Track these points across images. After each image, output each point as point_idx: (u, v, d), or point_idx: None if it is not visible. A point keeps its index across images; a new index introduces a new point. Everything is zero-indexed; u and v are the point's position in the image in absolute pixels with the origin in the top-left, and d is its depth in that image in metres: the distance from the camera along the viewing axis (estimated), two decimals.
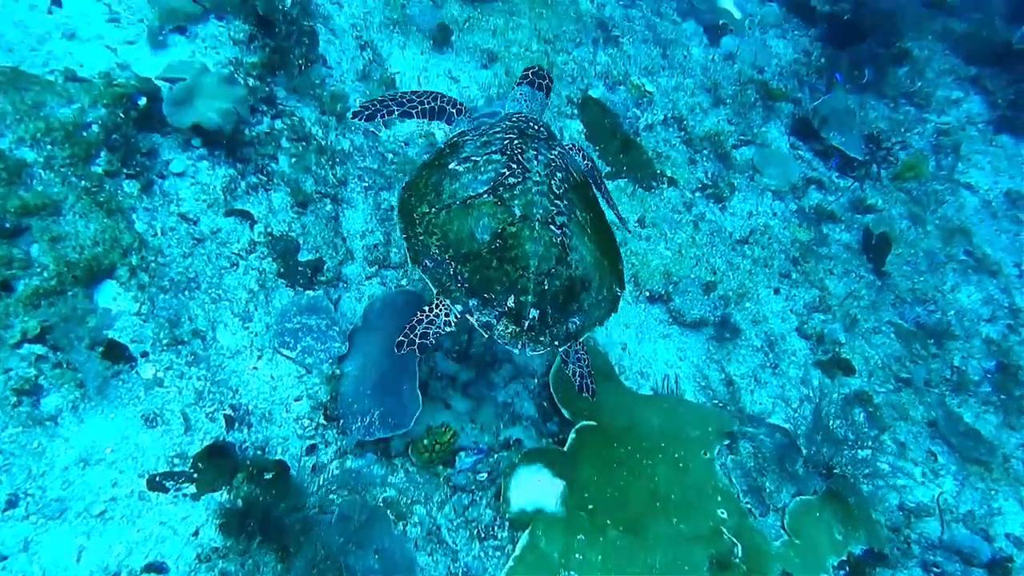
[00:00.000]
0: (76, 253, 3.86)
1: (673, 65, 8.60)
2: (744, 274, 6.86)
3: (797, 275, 7.15)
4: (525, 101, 4.84)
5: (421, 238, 3.77)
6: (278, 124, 5.33)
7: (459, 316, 3.69)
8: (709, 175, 7.55)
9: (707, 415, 5.39)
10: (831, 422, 5.50)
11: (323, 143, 5.45)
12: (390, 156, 5.81)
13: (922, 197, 8.99)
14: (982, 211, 9.04)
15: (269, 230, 4.80)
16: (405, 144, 5.99)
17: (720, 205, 7.40)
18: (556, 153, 4.12)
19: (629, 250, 6.53)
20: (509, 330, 3.64)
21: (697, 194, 7.39)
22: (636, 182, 7.05)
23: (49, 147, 4.08)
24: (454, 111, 4.72)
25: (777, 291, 6.93)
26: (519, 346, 3.66)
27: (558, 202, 3.82)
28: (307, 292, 4.73)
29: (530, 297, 3.60)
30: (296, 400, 4.28)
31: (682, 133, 7.82)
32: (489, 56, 7.23)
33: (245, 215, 4.74)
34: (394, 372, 4.40)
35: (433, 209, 3.80)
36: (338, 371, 4.42)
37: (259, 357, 4.32)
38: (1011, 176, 9.69)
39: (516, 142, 4.04)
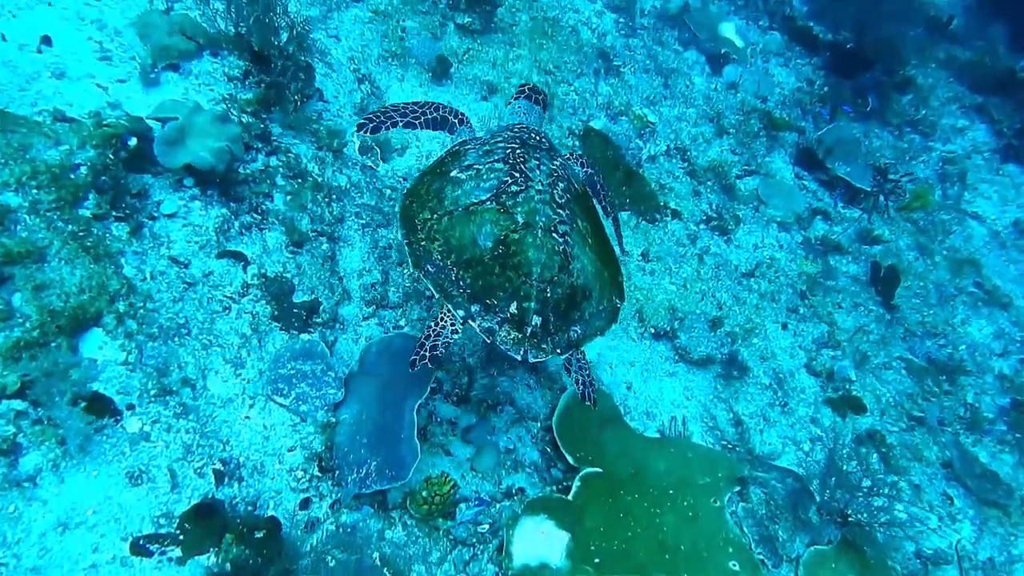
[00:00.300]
0: (61, 301, 3.71)
1: (675, 95, 8.52)
2: (751, 309, 6.71)
3: (805, 309, 6.99)
4: (523, 114, 4.84)
5: (423, 243, 3.76)
6: (273, 161, 5.21)
7: (462, 321, 3.67)
8: (713, 207, 7.43)
9: (716, 459, 5.20)
10: (845, 465, 5.31)
11: (319, 179, 5.32)
12: (388, 192, 5.68)
13: (929, 227, 8.87)
14: (990, 242, 8.91)
15: (263, 271, 4.65)
16: (403, 179, 5.86)
17: (725, 238, 7.26)
18: (558, 164, 4.13)
19: (633, 285, 6.38)
20: (511, 336, 3.62)
21: (702, 226, 7.26)
22: (639, 215, 6.93)
23: (35, 191, 3.94)
24: (456, 121, 4.73)
25: (785, 326, 6.77)
26: (521, 352, 3.63)
27: (560, 211, 3.83)
28: (302, 336, 4.57)
29: (533, 304, 3.60)
30: (290, 450, 4.11)
31: (685, 164, 7.71)
32: (489, 88, 7.14)
33: (238, 256, 4.59)
34: (391, 420, 4.23)
35: (435, 215, 3.79)
36: (333, 419, 4.25)
37: (251, 405, 4.15)
38: (1019, 205, 9.59)
39: (518, 151, 4.05)
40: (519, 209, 3.73)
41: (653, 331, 6.17)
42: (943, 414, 6.62)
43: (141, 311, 4.02)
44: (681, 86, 8.66)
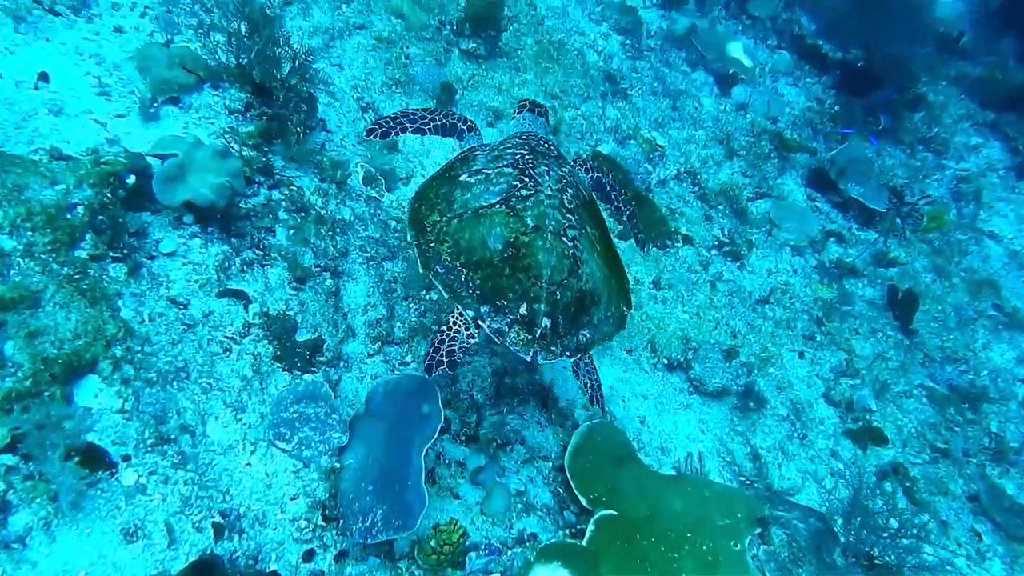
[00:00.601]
0: (55, 348, 3.58)
1: (684, 117, 8.40)
2: (766, 337, 6.53)
3: (822, 337, 6.81)
4: (529, 125, 4.92)
5: (432, 245, 3.78)
6: (275, 195, 5.09)
7: (472, 322, 3.67)
8: (725, 232, 7.28)
9: (735, 499, 5.01)
10: (870, 503, 5.11)
11: (322, 213, 5.20)
12: (393, 223, 5.55)
13: (945, 248, 8.69)
14: (1009, 262, 8.72)
15: (265, 309, 4.52)
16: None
17: (738, 263, 7.10)
18: (566, 171, 4.18)
19: (645, 314, 6.22)
20: (520, 337, 3.62)
21: (714, 252, 7.11)
22: (650, 241, 6.77)
23: (30, 233, 3.83)
24: (465, 128, 4.78)
25: (802, 355, 6.59)
26: (530, 354, 3.62)
27: (570, 216, 3.88)
28: (305, 376, 4.42)
29: (543, 306, 3.62)
30: (292, 499, 3.95)
31: (696, 188, 7.57)
32: (494, 114, 7.03)
33: (239, 295, 4.46)
34: (398, 464, 4.07)
35: (444, 218, 3.82)
36: (338, 464, 4.10)
37: (252, 452, 4.00)
38: None
39: (527, 157, 4.09)
40: (529, 213, 3.76)
41: (666, 362, 6.00)
42: (967, 444, 6.41)
43: (139, 355, 3.88)
44: (690, 108, 8.54)
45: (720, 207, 7.49)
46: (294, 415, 4.11)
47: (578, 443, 4.88)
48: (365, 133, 4.57)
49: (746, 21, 10.46)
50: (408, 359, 4.93)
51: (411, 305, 5.16)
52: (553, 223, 3.76)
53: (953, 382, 6.99)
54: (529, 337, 3.62)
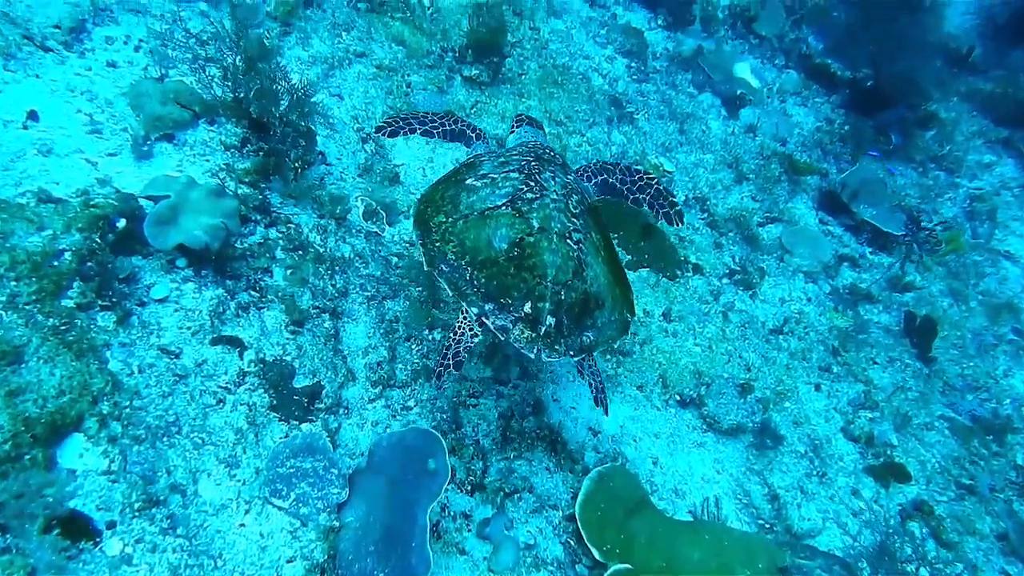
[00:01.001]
0: (37, 408, 3.40)
1: (691, 140, 8.23)
2: (781, 369, 6.32)
3: (838, 368, 6.59)
4: (531, 136, 4.98)
5: (437, 244, 3.81)
6: (272, 233, 4.92)
7: (476, 319, 3.70)
8: (736, 260, 7.08)
9: (755, 547, 4.78)
10: (896, 548, 4.88)
11: (321, 251, 5.03)
12: (394, 260, 5.38)
13: (961, 270, 8.48)
14: None
15: (261, 356, 4.33)
16: (410, 245, 5.56)
17: (750, 292, 6.90)
18: (571, 179, 4.26)
19: (655, 348, 6.01)
20: (525, 335, 3.64)
21: (725, 281, 6.90)
22: (659, 271, 6.58)
23: (13, 283, 3.66)
24: (474, 136, 4.89)
25: (818, 387, 6.36)
26: (534, 351, 3.63)
27: (575, 220, 3.91)
28: (303, 426, 4.23)
29: (547, 304, 3.63)
30: (289, 562, 3.74)
31: (705, 215, 7.38)
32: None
33: (234, 342, 4.28)
34: (401, 523, 3.87)
35: (450, 219, 3.86)
36: (337, 523, 3.89)
37: (247, 511, 3.80)
38: None
39: (533, 164, 4.15)
40: (534, 215, 3.80)
41: (678, 398, 5.79)
42: (993, 479, 6.16)
43: (127, 411, 3.70)
44: (697, 131, 8.38)
45: (730, 234, 7.30)
46: (291, 470, 3.91)
47: (589, 490, 4.67)
48: (374, 130, 4.65)
49: (753, 41, 10.31)
50: (411, 403, 4.74)
51: (413, 346, 4.97)
52: (558, 226, 3.79)
53: (976, 412, 6.75)
54: (533, 335, 3.64)
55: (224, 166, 4.98)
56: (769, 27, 10.43)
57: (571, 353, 3.74)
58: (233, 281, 4.55)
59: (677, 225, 4.75)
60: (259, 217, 4.92)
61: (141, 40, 5.43)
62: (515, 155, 4.30)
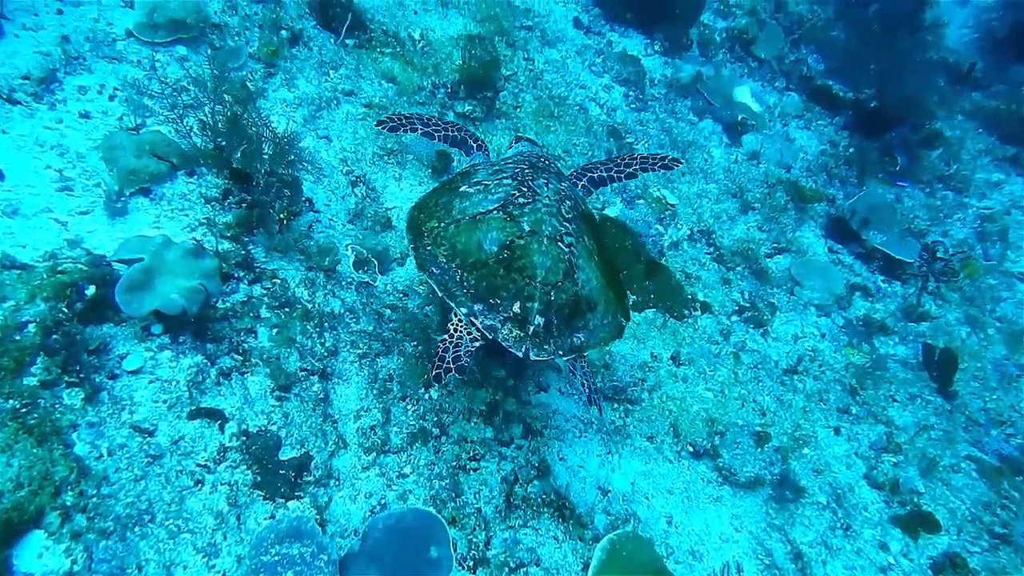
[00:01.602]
0: None
1: (694, 170, 7.98)
2: (798, 413, 6.00)
3: (857, 408, 6.27)
4: (529, 148, 5.04)
5: (428, 248, 3.89)
6: (257, 290, 4.63)
7: (466, 319, 3.72)
8: (746, 296, 6.79)
9: None
10: None
11: (309, 307, 4.73)
12: (387, 313, 5.08)
13: (976, 295, 8.18)
14: None
15: (244, 427, 4.03)
16: (404, 295, 5.27)
17: (761, 330, 6.60)
18: (565, 185, 4.28)
19: (665, 394, 5.70)
20: (513, 334, 3.66)
21: (734, 319, 6.60)
22: (666, 311, 6.28)
23: None
24: (475, 145, 4.97)
25: (837, 431, 6.04)
26: (522, 350, 3.64)
27: (567, 224, 3.94)
28: (289, 504, 3.91)
29: (536, 304, 3.67)
30: None
31: (711, 249, 7.10)
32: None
33: (214, 414, 3.98)
34: None
35: (442, 224, 3.93)
36: None
37: None
38: None
39: (527, 171, 4.19)
40: (526, 218, 3.84)
41: (691, 449, 5.47)
42: None
43: (94, 499, 3.39)
44: (699, 160, 8.12)
45: (738, 268, 7.01)
46: (276, 558, 3.59)
47: (601, 560, 4.35)
48: (375, 124, 4.87)
49: (752, 64, 10.10)
50: (407, 470, 4.42)
51: (409, 406, 4.66)
52: (549, 229, 3.82)
53: (1002, 451, 6.42)
54: (522, 334, 3.66)
55: (204, 220, 4.71)
56: (768, 49, 10.23)
57: (560, 353, 3.74)
58: (214, 344, 4.26)
59: (679, 165, 4.92)
60: (242, 274, 4.63)
61: (116, 89, 5.17)
62: (510, 163, 4.36)
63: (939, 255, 7.13)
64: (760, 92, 9.68)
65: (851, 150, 9.43)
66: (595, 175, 4.92)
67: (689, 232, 7.12)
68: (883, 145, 9.75)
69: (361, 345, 4.78)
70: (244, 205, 4.86)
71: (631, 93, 8.48)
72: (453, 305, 3.74)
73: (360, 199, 5.79)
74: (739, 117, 8.85)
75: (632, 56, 8.76)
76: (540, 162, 4.43)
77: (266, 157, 4.83)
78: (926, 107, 10.20)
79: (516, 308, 3.67)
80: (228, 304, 4.46)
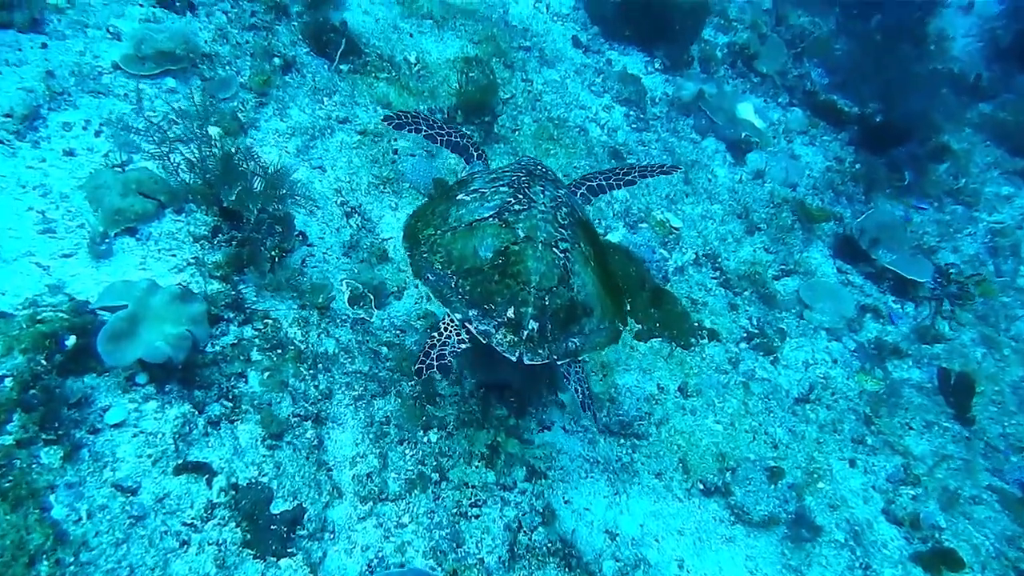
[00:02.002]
0: None
1: (698, 191, 7.81)
2: (811, 445, 5.79)
3: (873, 438, 6.06)
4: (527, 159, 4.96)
5: (425, 255, 3.92)
6: (247, 331, 4.46)
7: (460, 325, 3.76)
8: (754, 321, 6.59)
9: None
10: None
11: (303, 347, 4.56)
12: (384, 351, 4.90)
13: (990, 313, 7.97)
14: None
15: (233, 481, 3.84)
16: (401, 332, 5.09)
17: (771, 357, 6.40)
18: (562, 192, 4.28)
19: (673, 428, 5.51)
20: (507, 339, 3.70)
21: (743, 346, 6.41)
22: (672, 340, 6.09)
23: None
24: (476, 154, 4.94)
25: (853, 463, 5.83)
26: (516, 355, 3.68)
27: (563, 230, 3.94)
28: (281, 562, 3.72)
29: (530, 309, 3.69)
30: None
31: (717, 273, 6.92)
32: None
33: (201, 468, 3.79)
34: None
35: (439, 231, 3.96)
36: None
37: None
38: None
39: (523, 178, 4.20)
40: (521, 225, 3.85)
41: (702, 486, 5.27)
42: None
43: (71, 568, 3.20)
44: (703, 180, 7.95)
45: (746, 293, 6.83)
46: None
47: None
48: (382, 119, 4.94)
49: (754, 79, 9.95)
50: (405, 519, 4.23)
51: (407, 450, 4.48)
52: (544, 235, 3.83)
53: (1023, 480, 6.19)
54: (516, 339, 3.69)
55: (193, 260, 4.54)
56: (771, 64, 10.08)
57: (555, 357, 3.76)
58: (203, 391, 4.08)
59: (677, 171, 5.05)
60: (232, 315, 4.46)
61: (102, 124, 5.03)
62: (507, 171, 4.40)
63: (954, 277, 6.90)
64: (763, 108, 9.52)
65: (857, 166, 9.27)
66: (594, 184, 4.95)
67: (695, 256, 6.94)
68: (890, 160, 9.57)
69: (356, 387, 4.59)
70: (234, 243, 4.70)
71: (632, 113, 8.33)
72: (448, 311, 3.78)
73: (355, 230, 5.63)
74: (743, 135, 8.68)
75: (632, 75, 8.61)
76: (537, 170, 4.44)
77: (257, 194, 4.66)
78: (933, 121, 10.03)
79: (510, 313, 3.69)
80: (217, 347, 4.29)
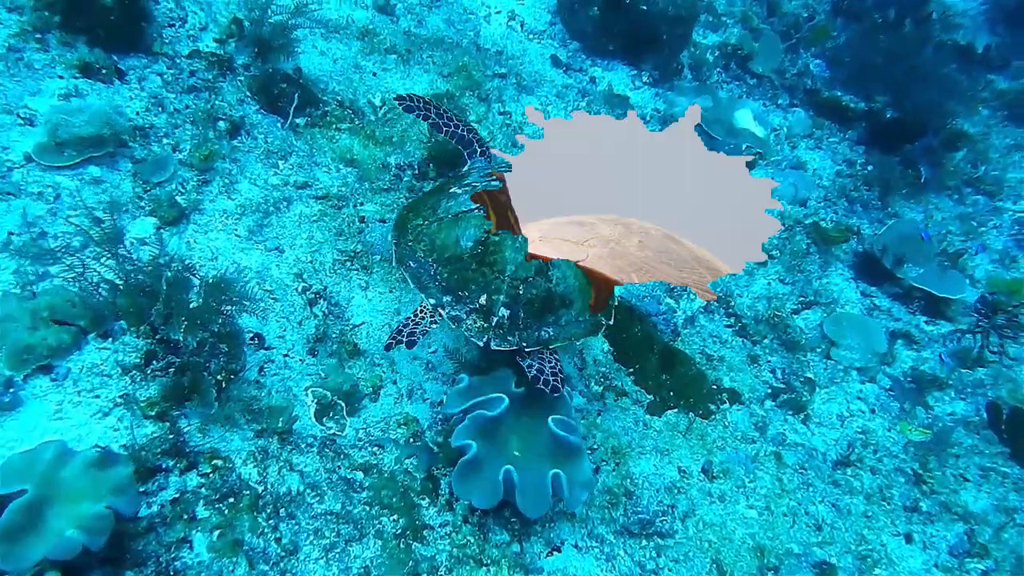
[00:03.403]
0: None
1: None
2: (859, 521, 5.09)
3: (927, 501, 5.35)
4: None
5: (410, 244, 4.09)
6: (191, 480, 3.77)
7: (433, 309, 3.95)
8: (778, 374, 5.88)
9: None
10: None
11: (260, 490, 3.87)
12: (359, 477, 4.19)
13: None
14: None
15: None
16: (379, 447, 4.38)
17: (802, 416, 5.68)
18: None
19: (701, 521, 4.80)
20: (477, 325, 3.88)
21: (768, 404, 5.69)
22: (690, 409, 5.38)
23: None
24: (479, 150, 4.91)
25: (909, 537, 5.12)
26: (483, 340, 3.87)
27: None
28: None
29: (502, 297, 3.84)
30: None
31: (731, 320, 6.19)
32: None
33: None
34: None
35: (426, 222, 4.09)
36: None
37: None
38: None
39: None
40: None
41: None
42: None
43: None
44: None
45: (766, 340, 6.10)
46: None
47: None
48: (394, 98, 4.94)
49: (750, 81, 9.18)
50: None
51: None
52: None
53: None
54: (485, 325, 3.87)
55: (121, 399, 3.85)
56: (767, 62, 9.30)
57: (524, 345, 3.89)
58: (135, 571, 3.37)
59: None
60: (171, 463, 3.76)
61: (11, 233, 4.31)
62: (503, 167, 4.66)
63: (1001, 307, 6.15)
64: (763, 113, 8.76)
65: (870, 168, 8.52)
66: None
67: (705, 303, 6.21)
68: (904, 157, 8.80)
69: (327, 533, 3.89)
70: (172, 370, 3.98)
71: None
72: (424, 296, 3.99)
73: (321, 319, 4.91)
74: (743, 147, 7.93)
75: (619, 95, 7.86)
76: None
77: (195, 310, 3.93)
78: (946, 107, 9.27)
79: (482, 300, 3.85)
80: (154, 509, 3.59)
